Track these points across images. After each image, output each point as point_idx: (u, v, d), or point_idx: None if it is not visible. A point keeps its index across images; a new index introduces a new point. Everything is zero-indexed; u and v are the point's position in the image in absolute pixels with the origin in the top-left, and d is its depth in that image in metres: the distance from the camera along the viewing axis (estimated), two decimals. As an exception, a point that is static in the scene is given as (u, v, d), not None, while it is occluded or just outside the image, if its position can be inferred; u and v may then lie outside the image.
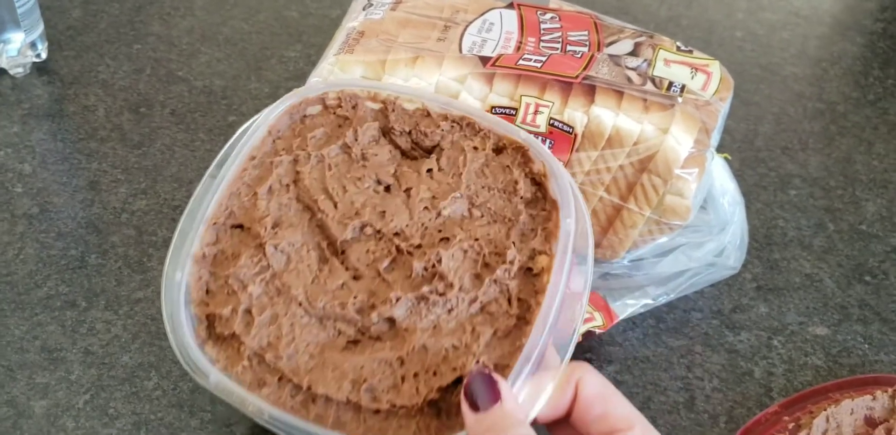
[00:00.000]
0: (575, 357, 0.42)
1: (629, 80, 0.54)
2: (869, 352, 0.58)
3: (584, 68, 0.54)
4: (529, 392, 0.41)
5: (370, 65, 0.54)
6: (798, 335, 0.59)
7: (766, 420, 0.53)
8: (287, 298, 0.44)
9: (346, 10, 0.61)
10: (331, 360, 0.43)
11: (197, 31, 0.79)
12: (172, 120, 0.70)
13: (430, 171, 0.49)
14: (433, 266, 0.45)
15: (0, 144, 0.67)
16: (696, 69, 0.56)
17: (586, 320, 0.54)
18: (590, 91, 0.53)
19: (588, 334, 0.55)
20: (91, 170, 0.66)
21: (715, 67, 0.57)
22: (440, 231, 0.46)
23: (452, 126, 0.50)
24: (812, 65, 0.81)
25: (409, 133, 0.50)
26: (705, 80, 0.56)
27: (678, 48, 0.57)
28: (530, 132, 0.53)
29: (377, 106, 0.51)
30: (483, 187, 0.48)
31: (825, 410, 0.51)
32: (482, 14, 0.58)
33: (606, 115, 0.52)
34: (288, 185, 0.48)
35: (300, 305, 0.44)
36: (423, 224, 0.46)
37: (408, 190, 0.48)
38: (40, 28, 0.72)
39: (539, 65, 0.54)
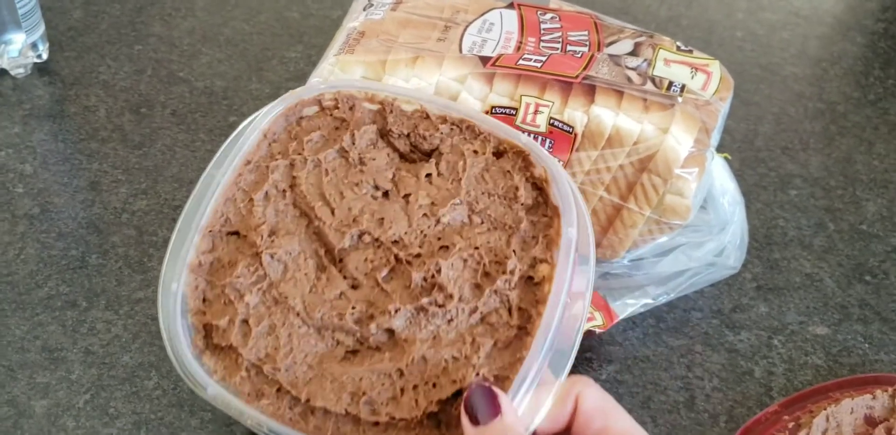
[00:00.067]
0: (575, 357, 0.42)
1: (629, 79, 0.54)
2: (869, 351, 0.58)
3: (584, 68, 0.54)
4: (529, 405, 0.40)
5: (370, 65, 0.54)
6: (798, 335, 0.59)
7: (767, 419, 0.53)
8: (284, 308, 0.44)
9: (347, 10, 0.61)
10: (329, 371, 0.42)
11: (198, 32, 0.79)
12: (173, 120, 0.70)
13: (429, 175, 0.48)
14: (432, 277, 0.44)
15: (1, 145, 0.67)
16: (696, 69, 0.56)
17: (586, 320, 0.54)
18: (590, 91, 0.53)
19: (588, 334, 0.55)
20: (92, 170, 0.66)
21: (715, 67, 0.57)
22: (439, 239, 0.45)
23: (452, 129, 0.49)
24: (812, 65, 0.81)
25: (408, 136, 0.49)
26: (705, 80, 0.56)
27: (678, 48, 0.57)
28: (530, 132, 0.53)
29: (375, 107, 0.50)
30: (483, 193, 0.47)
31: (825, 409, 0.51)
32: (482, 14, 0.58)
33: (606, 115, 0.53)
34: (284, 191, 0.47)
35: (298, 315, 0.44)
36: (422, 232, 0.46)
37: (406, 196, 0.47)
38: (41, 29, 0.72)
39: (539, 65, 0.54)
